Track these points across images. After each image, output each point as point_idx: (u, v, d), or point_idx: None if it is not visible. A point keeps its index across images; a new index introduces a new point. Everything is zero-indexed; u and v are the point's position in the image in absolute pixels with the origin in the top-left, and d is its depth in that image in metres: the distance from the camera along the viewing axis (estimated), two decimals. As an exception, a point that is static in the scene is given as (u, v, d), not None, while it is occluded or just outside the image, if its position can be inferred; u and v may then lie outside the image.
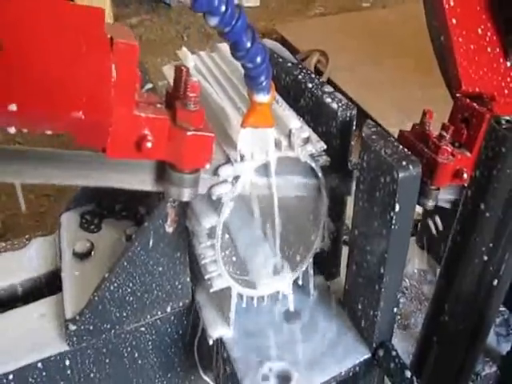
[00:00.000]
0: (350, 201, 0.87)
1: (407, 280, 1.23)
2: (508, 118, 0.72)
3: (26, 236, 1.00)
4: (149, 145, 0.61)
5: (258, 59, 0.60)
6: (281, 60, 0.95)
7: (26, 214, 2.28)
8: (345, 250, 0.93)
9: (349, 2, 4.20)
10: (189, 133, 0.63)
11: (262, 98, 0.65)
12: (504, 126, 0.69)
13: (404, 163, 0.69)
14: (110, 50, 0.54)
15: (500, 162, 0.68)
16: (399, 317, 1.15)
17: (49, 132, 0.55)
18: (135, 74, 0.58)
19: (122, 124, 0.58)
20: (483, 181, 0.71)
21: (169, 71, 0.96)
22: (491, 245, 0.73)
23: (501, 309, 1.13)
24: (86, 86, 0.53)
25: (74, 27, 0.52)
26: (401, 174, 0.68)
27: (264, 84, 0.64)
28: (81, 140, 0.57)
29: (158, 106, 0.64)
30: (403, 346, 1.01)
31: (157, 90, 0.93)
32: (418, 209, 1.05)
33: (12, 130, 0.51)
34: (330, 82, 2.90)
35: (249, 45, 0.58)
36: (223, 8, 0.52)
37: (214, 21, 0.53)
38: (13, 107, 0.50)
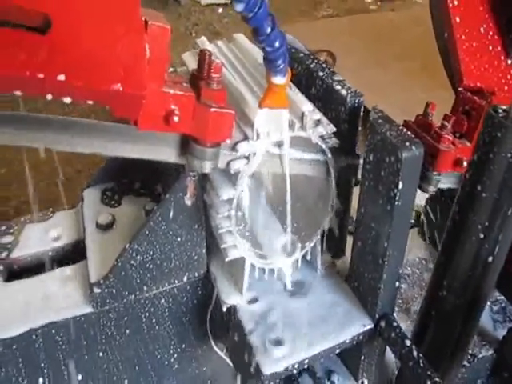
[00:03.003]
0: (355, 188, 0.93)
1: (409, 268, 1.28)
2: (505, 107, 0.77)
3: (51, 209, 1.06)
4: (176, 119, 0.67)
5: (277, 43, 0.67)
6: (293, 50, 1.01)
7: (37, 200, 2.34)
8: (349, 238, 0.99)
9: (356, 4, 4.27)
10: (212, 109, 0.69)
11: (279, 79, 0.72)
12: (501, 115, 0.74)
13: (407, 144, 0.75)
14: (145, 31, 0.60)
15: (496, 146, 0.73)
16: (401, 301, 1.20)
17: (90, 102, 0.61)
18: (166, 54, 0.64)
19: (153, 99, 0.65)
20: (480, 164, 0.76)
21: (188, 58, 1.02)
22: (487, 223, 0.78)
23: (499, 297, 1.19)
24: (123, 61, 0.59)
25: (114, 10, 0.58)
26: (404, 154, 0.74)
27: (281, 67, 0.70)
28: (117, 111, 0.64)
29: (184, 84, 0.71)
30: (404, 327, 1.07)
31: (177, 74, 0.99)
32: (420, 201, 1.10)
33: (67, 100, 0.58)
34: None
35: (269, 30, 0.64)
36: (248, -5, 0.59)
37: (240, 7, 0.59)
38: (61, 77, 0.56)
